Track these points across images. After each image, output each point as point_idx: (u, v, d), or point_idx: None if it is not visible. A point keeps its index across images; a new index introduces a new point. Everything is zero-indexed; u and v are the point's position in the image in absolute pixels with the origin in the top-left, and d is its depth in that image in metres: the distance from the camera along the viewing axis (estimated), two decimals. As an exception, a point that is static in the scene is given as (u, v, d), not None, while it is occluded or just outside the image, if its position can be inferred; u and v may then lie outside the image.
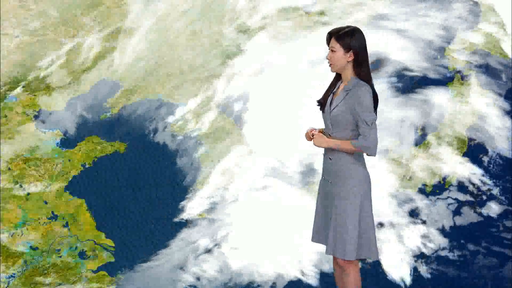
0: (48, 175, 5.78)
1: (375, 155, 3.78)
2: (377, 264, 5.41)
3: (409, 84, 6.25)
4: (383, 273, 5.38)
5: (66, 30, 6.30)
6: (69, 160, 5.88)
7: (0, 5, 6.18)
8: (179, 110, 6.23)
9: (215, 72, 6.42)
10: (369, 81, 3.80)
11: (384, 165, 5.96)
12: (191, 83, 6.37)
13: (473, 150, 6.03)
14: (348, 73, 3.83)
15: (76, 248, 5.40)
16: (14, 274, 5.13)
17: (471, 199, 5.84)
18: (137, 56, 6.38)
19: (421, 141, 6.09)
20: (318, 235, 4.00)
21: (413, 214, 5.76)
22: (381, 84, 6.18)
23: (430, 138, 6.13)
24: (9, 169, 5.77)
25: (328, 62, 3.86)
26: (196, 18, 6.60)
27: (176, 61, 6.42)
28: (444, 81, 6.37)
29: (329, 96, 3.92)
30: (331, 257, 4.11)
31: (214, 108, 6.30)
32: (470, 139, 6.09)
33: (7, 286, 5.02)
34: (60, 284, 5.10)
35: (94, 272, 5.25)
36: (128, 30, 6.46)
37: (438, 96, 6.31)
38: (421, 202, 5.83)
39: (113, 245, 5.46)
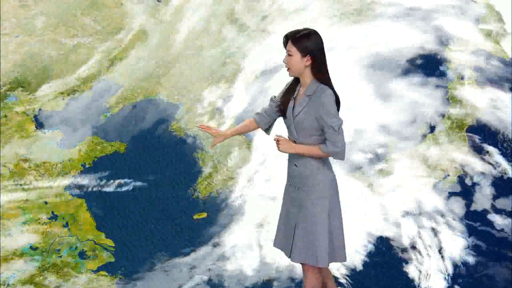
0: (48, 175, 5.78)
1: (343, 159, 3.74)
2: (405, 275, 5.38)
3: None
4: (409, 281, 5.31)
5: (66, 30, 6.30)
6: (69, 160, 5.88)
7: (0, 5, 6.18)
8: (179, 110, 6.23)
9: (215, 72, 6.42)
10: (329, 84, 3.72)
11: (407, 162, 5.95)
12: (191, 83, 6.37)
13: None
14: (307, 77, 3.74)
15: (76, 248, 5.40)
16: (14, 274, 5.13)
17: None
18: (137, 56, 6.38)
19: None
20: (280, 241, 3.95)
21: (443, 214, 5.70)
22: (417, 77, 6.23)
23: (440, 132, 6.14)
24: (9, 169, 5.77)
25: (286, 66, 3.76)
26: (196, 18, 6.60)
27: (176, 61, 6.42)
28: (445, 80, 6.38)
29: (289, 101, 3.82)
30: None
31: (215, 108, 6.29)
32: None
33: (7, 286, 5.02)
34: (60, 284, 5.09)
35: (94, 272, 5.25)
36: (128, 30, 6.46)
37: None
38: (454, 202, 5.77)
39: (113, 245, 5.46)
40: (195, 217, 5.72)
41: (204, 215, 5.74)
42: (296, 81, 3.85)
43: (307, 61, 3.70)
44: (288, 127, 3.85)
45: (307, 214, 3.74)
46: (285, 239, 3.89)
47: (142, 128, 6.11)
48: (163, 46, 6.45)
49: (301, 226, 3.76)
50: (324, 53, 3.73)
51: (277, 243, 3.98)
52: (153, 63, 6.37)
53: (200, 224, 5.67)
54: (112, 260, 5.34)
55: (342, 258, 3.83)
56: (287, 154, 3.90)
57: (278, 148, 3.79)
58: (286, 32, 3.77)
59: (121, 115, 6.12)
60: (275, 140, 3.79)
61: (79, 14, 6.36)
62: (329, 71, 3.75)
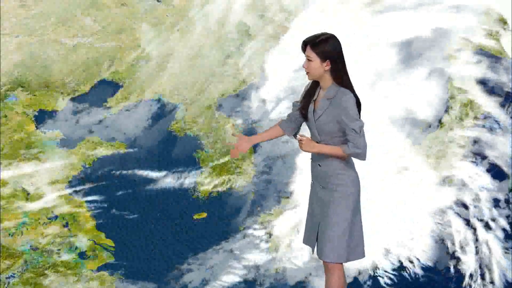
0: (48, 175, 5.78)
1: (365, 160, 3.78)
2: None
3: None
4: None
5: (66, 30, 6.31)
6: (69, 160, 5.89)
7: (0, 5, 6.19)
8: (179, 110, 6.24)
9: (214, 72, 6.43)
10: (349, 86, 3.74)
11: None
12: (191, 83, 6.37)
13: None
14: (327, 81, 3.76)
15: (76, 248, 5.40)
16: (14, 274, 5.13)
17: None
18: (137, 56, 6.39)
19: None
20: (307, 238, 4.03)
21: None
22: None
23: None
24: (9, 169, 5.77)
25: (305, 71, 3.79)
26: (196, 18, 6.61)
27: (176, 61, 6.42)
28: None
29: (309, 103, 3.86)
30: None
31: (214, 108, 6.30)
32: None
33: (7, 286, 5.02)
34: (60, 284, 5.09)
35: (94, 272, 5.25)
36: (128, 30, 6.46)
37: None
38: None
39: (113, 245, 5.46)
40: (195, 217, 5.72)
41: (204, 215, 5.74)
42: (315, 84, 3.88)
43: (326, 65, 3.72)
44: (310, 129, 3.90)
45: (330, 212, 3.80)
46: (312, 236, 3.97)
47: (142, 128, 6.11)
48: (163, 46, 6.45)
49: (325, 224, 3.82)
50: (343, 56, 3.75)
51: (305, 240, 4.06)
52: (153, 63, 6.37)
53: (201, 224, 5.68)
54: (112, 260, 5.34)
55: (360, 255, 3.90)
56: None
57: (301, 147, 3.82)
58: (304, 38, 3.77)
59: (121, 115, 6.12)
60: (298, 139, 3.83)
61: (79, 14, 6.36)
62: (348, 74, 3.77)
